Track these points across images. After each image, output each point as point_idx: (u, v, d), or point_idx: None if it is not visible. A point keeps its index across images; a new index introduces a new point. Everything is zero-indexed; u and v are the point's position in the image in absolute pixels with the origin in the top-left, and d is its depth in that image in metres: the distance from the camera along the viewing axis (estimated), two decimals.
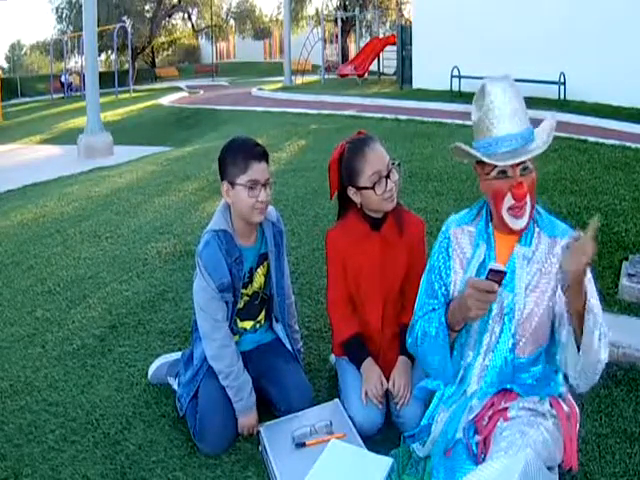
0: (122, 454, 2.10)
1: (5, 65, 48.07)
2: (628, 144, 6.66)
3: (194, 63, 39.49)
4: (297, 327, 2.50)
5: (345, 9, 27.36)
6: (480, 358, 1.76)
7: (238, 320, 2.30)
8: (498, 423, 1.66)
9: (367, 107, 11.73)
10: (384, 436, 2.11)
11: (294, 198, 4.92)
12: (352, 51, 26.41)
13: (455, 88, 12.60)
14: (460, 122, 8.09)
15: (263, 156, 2.10)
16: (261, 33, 36.40)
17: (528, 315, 1.70)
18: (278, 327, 2.37)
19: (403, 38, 15.77)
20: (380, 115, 9.67)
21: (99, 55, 22.76)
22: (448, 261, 1.82)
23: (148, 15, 33.33)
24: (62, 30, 32.09)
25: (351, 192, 2.15)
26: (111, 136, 9.95)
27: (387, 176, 2.09)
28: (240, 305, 2.26)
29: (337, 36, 24.31)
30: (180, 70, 34.58)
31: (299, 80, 19.74)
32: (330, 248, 2.27)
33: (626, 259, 3.38)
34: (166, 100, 17.62)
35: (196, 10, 35.83)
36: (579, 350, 1.58)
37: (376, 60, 19.42)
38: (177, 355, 2.51)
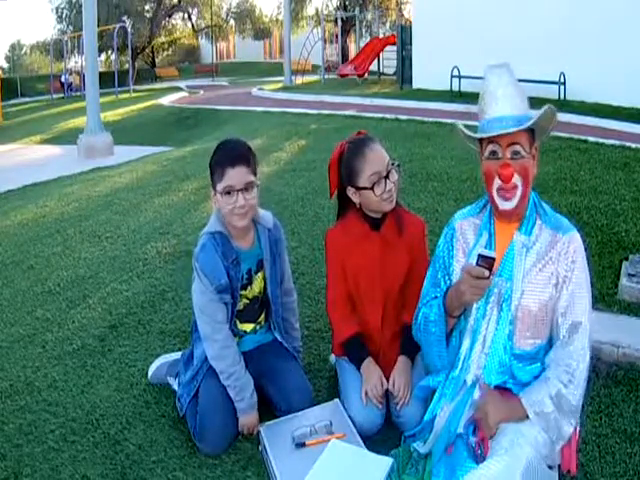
0: (122, 454, 2.10)
1: (5, 65, 48.13)
2: (628, 144, 6.66)
3: (194, 63, 39.49)
4: (297, 325, 2.50)
5: (345, 9, 27.37)
6: (479, 345, 1.77)
7: (238, 322, 2.30)
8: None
9: (367, 107, 11.73)
10: (384, 436, 2.10)
11: (294, 198, 4.92)
12: (352, 51, 26.41)
13: (455, 88, 12.60)
14: (460, 122, 8.08)
15: (239, 160, 2.06)
16: (261, 33, 36.41)
17: (525, 303, 1.72)
18: (276, 333, 2.37)
19: (403, 38, 15.78)
20: (380, 115, 9.67)
21: (99, 55, 22.78)
22: (452, 251, 1.87)
23: (148, 15, 33.34)
24: (62, 30, 32.11)
25: (350, 192, 2.15)
26: (111, 136, 9.96)
27: (386, 177, 2.09)
28: (240, 307, 2.26)
29: (337, 36, 24.31)
30: (180, 70, 34.58)
31: (299, 80, 19.74)
32: (330, 248, 2.27)
33: (626, 259, 3.38)
34: (166, 100, 17.63)
35: (196, 10, 35.86)
36: None
37: (376, 60, 19.43)
38: (177, 355, 2.51)
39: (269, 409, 2.24)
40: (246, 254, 2.21)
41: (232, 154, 2.08)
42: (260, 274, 2.27)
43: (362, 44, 21.93)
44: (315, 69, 23.53)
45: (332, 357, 2.50)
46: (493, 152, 1.71)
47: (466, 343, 1.80)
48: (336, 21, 23.92)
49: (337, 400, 2.21)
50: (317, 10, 30.07)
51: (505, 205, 1.72)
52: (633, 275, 3.12)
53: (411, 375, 2.16)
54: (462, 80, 12.42)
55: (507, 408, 1.65)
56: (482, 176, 1.78)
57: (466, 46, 12.39)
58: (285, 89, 17.37)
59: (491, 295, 1.75)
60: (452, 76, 12.60)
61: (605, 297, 3.08)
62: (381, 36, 22.24)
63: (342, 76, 19.41)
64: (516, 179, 1.69)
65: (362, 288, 2.23)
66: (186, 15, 36.66)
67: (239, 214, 2.08)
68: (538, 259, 1.72)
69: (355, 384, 2.17)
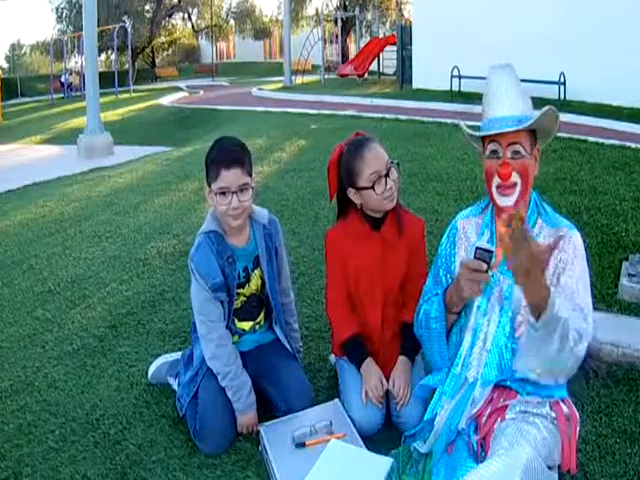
0: (122, 454, 2.10)
1: (5, 65, 48.12)
2: (628, 144, 6.66)
3: (194, 63, 39.48)
4: (296, 326, 2.50)
5: (345, 9, 27.37)
6: (480, 342, 1.78)
7: (236, 320, 2.30)
8: (496, 424, 1.67)
9: (367, 107, 11.73)
10: (384, 436, 2.10)
11: (294, 198, 4.92)
12: (352, 51, 26.41)
13: (455, 88, 12.60)
14: (460, 122, 8.08)
15: (234, 162, 2.05)
16: (261, 33, 36.39)
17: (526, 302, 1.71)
18: (276, 328, 2.38)
19: (403, 38, 15.78)
20: (380, 115, 9.67)
21: (99, 55, 22.73)
22: (454, 249, 1.88)
23: (148, 15, 33.32)
24: (62, 30, 32.09)
25: (351, 193, 2.15)
26: (111, 136, 9.96)
27: (386, 175, 2.09)
28: (237, 305, 2.26)
29: (337, 36, 24.33)
30: (180, 70, 34.59)
31: (299, 80, 19.74)
32: (330, 248, 2.27)
33: (626, 259, 3.38)
34: (166, 100, 17.64)
35: (196, 10, 35.84)
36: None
37: (376, 60, 19.43)
38: (177, 355, 2.51)
39: (269, 409, 2.24)
40: (242, 251, 2.21)
41: (227, 155, 2.07)
42: (257, 271, 2.27)
43: (362, 44, 21.93)
44: (315, 69, 23.53)
45: (332, 357, 2.50)
46: (494, 151, 1.73)
47: (467, 340, 1.80)
48: (336, 21, 23.94)
49: (337, 400, 2.21)
50: (317, 10, 30.07)
51: (504, 201, 1.74)
52: (633, 275, 3.12)
53: (411, 375, 2.16)
54: (462, 80, 12.42)
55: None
56: (483, 175, 1.79)
57: (466, 46, 12.39)
58: (285, 89, 17.37)
59: (492, 293, 1.76)
60: (452, 76, 12.60)
61: (605, 297, 3.08)
62: (381, 36, 22.25)
63: (342, 76, 19.42)
64: (515, 177, 1.71)
65: (362, 288, 2.23)
66: (186, 15, 36.65)
67: (233, 215, 2.09)
68: None
69: (355, 384, 2.17)
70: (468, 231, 1.87)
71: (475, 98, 11.06)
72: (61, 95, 25.06)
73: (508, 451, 1.54)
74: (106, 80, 18.98)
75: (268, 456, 1.98)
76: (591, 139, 6.90)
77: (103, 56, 32.41)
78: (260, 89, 17.74)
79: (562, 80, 10.71)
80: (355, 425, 2.07)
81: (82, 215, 5.07)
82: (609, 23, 10.18)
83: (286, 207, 4.67)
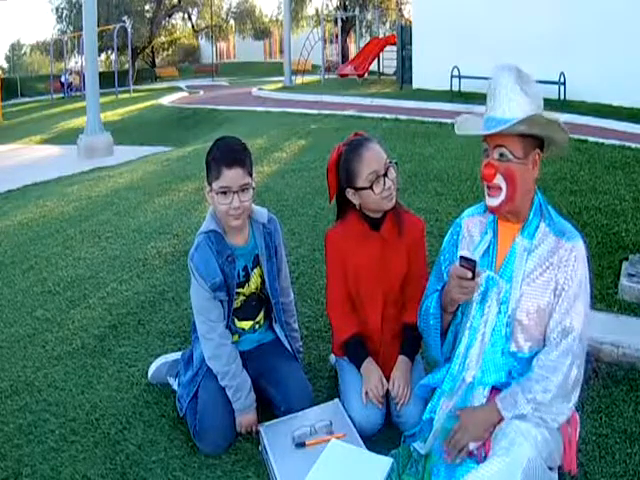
0: (122, 454, 2.10)
1: (5, 65, 48.12)
2: (628, 144, 6.66)
3: (194, 63, 39.49)
4: (296, 326, 2.50)
5: (345, 9, 27.37)
6: (477, 343, 1.78)
7: (236, 320, 2.30)
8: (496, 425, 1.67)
9: (367, 107, 11.73)
10: (384, 436, 2.11)
11: (294, 198, 4.92)
12: (352, 51, 26.40)
13: (455, 88, 12.59)
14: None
15: (236, 162, 2.06)
16: (261, 33, 36.39)
17: (523, 306, 1.72)
18: (276, 327, 2.38)
19: (403, 38, 15.77)
20: (380, 115, 9.67)
21: (99, 55, 22.72)
22: (456, 246, 1.89)
23: (148, 15, 33.32)
24: (62, 30, 32.08)
25: (350, 194, 2.15)
26: (111, 136, 9.96)
27: (385, 175, 2.09)
28: (237, 305, 2.26)
29: (337, 36, 24.32)
30: (180, 70, 34.58)
31: (299, 80, 19.73)
32: (329, 248, 2.27)
33: (626, 259, 3.38)
34: (166, 100, 17.63)
35: (196, 10, 35.83)
36: None
37: (376, 60, 19.43)
38: (177, 355, 2.51)
39: (269, 409, 2.24)
40: (241, 251, 2.21)
41: (229, 155, 2.07)
42: (257, 270, 2.27)
43: (362, 44, 21.93)
44: (315, 69, 23.53)
45: (332, 357, 2.50)
46: (485, 150, 1.73)
47: (464, 341, 1.81)
48: (336, 21, 23.94)
49: (337, 400, 2.21)
50: (317, 10, 30.10)
51: (490, 201, 1.74)
52: (633, 275, 3.12)
53: (411, 375, 2.16)
54: (462, 80, 12.41)
55: (483, 420, 1.67)
56: None
57: (466, 46, 12.38)
58: (285, 89, 17.37)
59: (489, 295, 1.76)
60: (452, 76, 12.59)
61: (605, 297, 3.08)
62: (381, 36, 22.24)
63: (342, 76, 19.42)
64: (499, 180, 1.68)
65: (362, 288, 2.23)
66: (186, 15, 36.65)
67: (233, 215, 2.10)
68: (539, 263, 1.71)
69: (355, 384, 2.17)
70: (472, 229, 1.86)
71: (475, 98, 11.06)
72: (61, 95, 25.06)
73: (509, 451, 1.54)
74: (106, 80, 18.99)
75: (268, 456, 1.98)
76: (591, 139, 6.90)
77: (103, 56, 32.39)
78: (260, 89, 17.73)
79: (562, 80, 10.70)
80: (355, 425, 2.07)
81: (82, 215, 5.07)
82: (609, 23, 10.18)
83: (286, 207, 4.66)
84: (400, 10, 27.30)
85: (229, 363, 2.15)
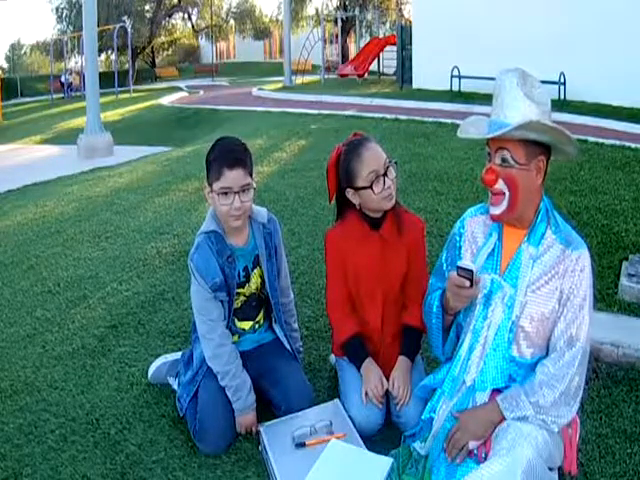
0: (122, 454, 2.10)
1: (5, 65, 48.12)
2: (628, 144, 6.66)
3: (194, 63, 39.49)
4: (296, 326, 2.50)
5: (345, 9, 27.37)
6: (479, 346, 1.77)
7: (236, 320, 2.30)
8: (496, 426, 1.67)
9: (367, 107, 11.73)
10: (384, 436, 2.11)
11: (294, 198, 4.92)
12: (352, 51, 26.41)
13: (455, 88, 12.60)
14: (460, 122, 8.07)
15: (237, 163, 2.06)
16: (261, 33, 36.40)
17: (527, 313, 1.71)
18: (276, 327, 2.38)
19: (403, 38, 15.77)
20: (380, 115, 9.67)
21: (99, 55, 22.77)
22: (459, 248, 1.88)
23: (148, 15, 33.34)
24: (62, 30, 32.10)
25: (350, 194, 2.15)
26: (111, 136, 9.96)
27: (385, 174, 2.09)
28: (237, 305, 2.26)
29: (337, 36, 24.32)
30: (180, 70, 34.58)
31: (299, 80, 19.74)
32: (329, 248, 2.27)
33: (626, 259, 3.38)
34: (166, 100, 17.64)
35: (196, 10, 35.85)
36: None
37: (376, 60, 19.43)
38: (177, 355, 2.51)
39: (269, 409, 2.24)
40: (241, 251, 2.21)
41: (230, 156, 2.07)
42: (257, 270, 2.27)
43: (362, 44, 21.93)
44: (315, 69, 23.53)
45: (332, 357, 2.50)
46: (488, 154, 1.71)
47: (467, 343, 1.80)
48: (336, 21, 23.93)
49: (337, 400, 2.21)
50: (317, 10, 30.08)
51: (492, 210, 1.72)
52: (633, 275, 3.12)
53: (411, 375, 2.16)
54: (462, 80, 12.41)
55: (484, 419, 1.68)
56: None
57: (466, 46, 12.39)
58: (285, 89, 17.37)
59: (493, 298, 1.75)
60: (452, 76, 12.60)
61: (605, 297, 3.08)
62: (381, 36, 22.24)
63: (342, 76, 19.42)
64: (502, 186, 1.67)
65: (362, 288, 2.23)
66: (186, 15, 36.65)
67: (234, 215, 2.10)
68: (544, 272, 1.71)
69: (355, 384, 2.17)
70: (475, 230, 1.85)
71: (475, 98, 11.07)
72: (61, 95, 25.06)
73: (509, 451, 1.54)
74: (106, 80, 19.00)
75: (268, 456, 1.98)
76: (591, 139, 6.90)
77: (103, 56, 32.43)
78: (260, 89, 17.73)
79: (562, 80, 10.70)
80: (355, 425, 2.07)
81: (82, 215, 5.07)
82: (609, 23, 10.18)
83: (286, 207, 4.66)
84: (400, 10, 27.30)
85: (229, 363, 2.15)
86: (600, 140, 6.89)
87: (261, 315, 2.37)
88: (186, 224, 4.51)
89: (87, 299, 3.38)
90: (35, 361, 2.75)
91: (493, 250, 1.78)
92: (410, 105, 11.78)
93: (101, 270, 3.77)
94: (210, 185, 2.11)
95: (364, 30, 27.19)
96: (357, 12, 23.97)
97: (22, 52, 51.14)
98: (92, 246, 4.24)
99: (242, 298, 2.27)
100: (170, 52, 39.73)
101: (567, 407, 1.65)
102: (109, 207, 5.24)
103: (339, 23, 23.31)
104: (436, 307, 1.84)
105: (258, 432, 2.11)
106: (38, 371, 2.66)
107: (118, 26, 24.26)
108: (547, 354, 1.74)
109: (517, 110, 1.63)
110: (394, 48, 17.15)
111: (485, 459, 1.62)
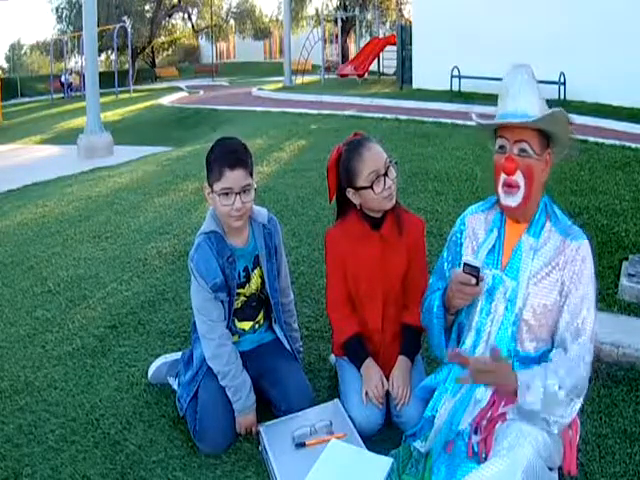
0: (122, 454, 2.10)
1: (5, 65, 48.10)
2: (628, 144, 6.66)
3: (194, 63, 39.48)
4: (296, 326, 2.50)
5: (345, 9, 27.37)
6: (482, 342, 1.78)
7: (236, 320, 2.30)
8: (497, 425, 1.67)
9: (367, 107, 11.73)
10: (384, 436, 2.11)
11: (294, 198, 4.92)
12: (352, 51, 26.41)
13: (455, 88, 12.60)
14: (460, 122, 8.09)
15: (238, 163, 2.06)
16: (261, 33, 36.39)
17: (530, 306, 1.72)
18: (276, 327, 2.38)
19: (403, 38, 15.78)
20: (380, 115, 9.67)
21: (99, 55, 22.73)
22: (460, 245, 1.88)
23: (148, 15, 33.33)
24: (62, 30, 32.09)
25: (350, 193, 2.15)
26: (111, 136, 9.95)
27: (385, 174, 2.09)
28: (237, 305, 2.26)
29: (337, 36, 24.33)
30: (180, 70, 34.58)
31: (299, 80, 19.74)
32: (330, 248, 2.27)
33: (626, 259, 3.38)
34: (166, 100, 17.63)
35: (196, 10, 35.85)
36: None
37: (376, 60, 19.42)
38: (177, 355, 2.51)
39: (269, 409, 2.24)
40: (242, 251, 2.21)
41: (231, 156, 2.07)
42: (257, 271, 2.27)
43: (362, 44, 21.92)
44: (315, 69, 23.52)
45: (332, 357, 2.50)
46: (502, 146, 1.71)
47: (470, 340, 1.80)
48: (336, 21, 23.95)
49: (337, 400, 2.21)
50: (317, 10, 30.08)
51: (507, 200, 1.72)
52: (633, 275, 3.12)
53: (411, 375, 2.16)
54: (462, 80, 12.42)
55: (504, 375, 1.63)
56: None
57: (466, 46, 12.38)
58: (285, 89, 17.37)
59: (495, 293, 1.76)
60: (452, 76, 12.60)
61: (605, 297, 3.08)
62: (381, 36, 22.24)
63: (342, 76, 19.41)
64: (519, 177, 1.68)
65: (362, 288, 2.23)
66: (186, 15, 36.65)
67: (235, 216, 2.09)
68: (545, 264, 1.71)
69: (355, 384, 2.17)
70: (476, 228, 1.85)
71: (475, 98, 11.06)
72: (61, 95, 25.07)
73: (509, 451, 1.54)
74: (106, 80, 18.97)
75: (268, 456, 1.98)
76: (591, 139, 6.89)
77: (103, 56, 32.41)
78: (260, 89, 17.73)
79: (562, 80, 10.71)
80: (355, 425, 2.07)
81: (82, 215, 5.07)
82: (609, 23, 10.18)
83: (286, 207, 4.66)
84: (400, 10, 27.30)
85: (229, 363, 2.15)
86: (600, 140, 6.89)
87: (261, 315, 2.37)
88: (186, 224, 4.51)
89: (87, 299, 3.38)
90: (35, 361, 2.75)
91: (494, 246, 1.79)
92: (410, 105, 11.78)
93: (101, 270, 3.77)
94: (211, 186, 2.10)
95: (364, 30, 27.18)
96: (357, 12, 23.96)
97: (22, 52, 51.13)
98: (92, 246, 4.24)
99: (242, 298, 2.27)
100: (170, 52, 39.72)
101: (569, 407, 1.63)
102: (109, 207, 5.25)
103: (339, 23, 23.31)
104: (437, 307, 1.84)
105: (258, 432, 2.11)
106: (38, 371, 2.66)
107: (118, 26, 24.26)
108: (551, 347, 1.74)
109: (533, 102, 1.67)
110: (394, 48, 17.15)
111: (485, 459, 1.62)
